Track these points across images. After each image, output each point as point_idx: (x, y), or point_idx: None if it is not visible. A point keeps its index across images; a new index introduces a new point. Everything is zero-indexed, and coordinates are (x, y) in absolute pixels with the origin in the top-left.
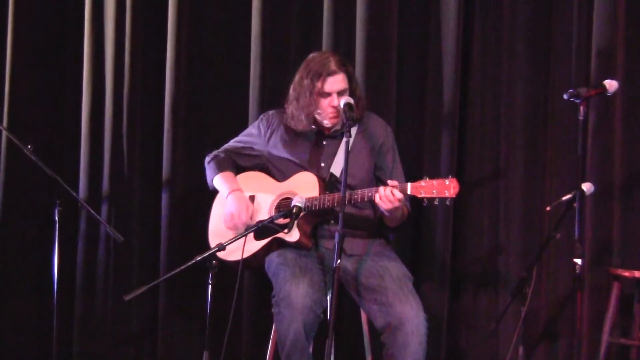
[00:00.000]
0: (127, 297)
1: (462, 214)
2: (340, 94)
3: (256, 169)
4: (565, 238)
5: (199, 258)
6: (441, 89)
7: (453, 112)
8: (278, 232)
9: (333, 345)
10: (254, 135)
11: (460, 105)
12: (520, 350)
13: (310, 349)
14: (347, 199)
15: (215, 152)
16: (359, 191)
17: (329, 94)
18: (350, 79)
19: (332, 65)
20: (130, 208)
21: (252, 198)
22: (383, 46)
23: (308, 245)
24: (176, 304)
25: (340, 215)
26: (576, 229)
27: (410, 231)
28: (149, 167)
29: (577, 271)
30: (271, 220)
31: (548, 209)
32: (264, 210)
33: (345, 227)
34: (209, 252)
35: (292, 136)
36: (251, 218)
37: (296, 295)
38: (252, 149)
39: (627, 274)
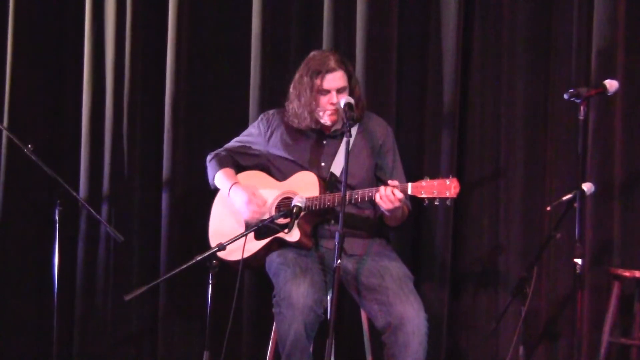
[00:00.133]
0: (128, 297)
1: (462, 214)
2: (339, 91)
3: (257, 169)
4: (566, 238)
5: (199, 258)
6: (441, 89)
7: (453, 112)
8: (278, 231)
9: (333, 345)
10: (254, 134)
11: (460, 105)
12: (521, 350)
13: (311, 349)
14: (347, 198)
15: (216, 151)
16: (360, 191)
17: (328, 91)
18: (350, 77)
19: (332, 63)
20: (131, 208)
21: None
22: (383, 46)
23: (308, 245)
24: (176, 304)
25: (341, 215)
26: (576, 229)
27: (411, 231)
28: (149, 167)
29: (578, 271)
30: (271, 220)
31: (548, 208)
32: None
33: (345, 227)
34: (209, 252)
35: (293, 136)
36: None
37: (297, 295)
38: (252, 148)
39: (627, 273)
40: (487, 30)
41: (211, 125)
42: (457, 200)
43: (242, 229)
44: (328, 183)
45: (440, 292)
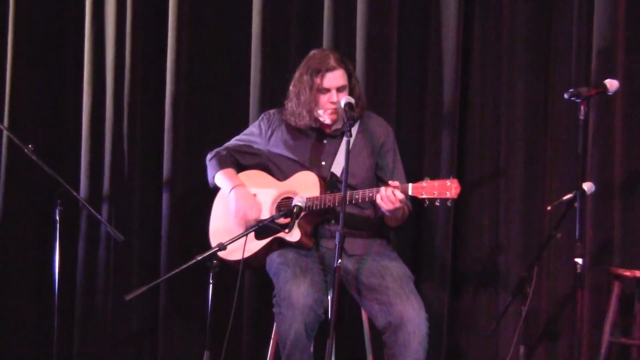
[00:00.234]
0: (128, 297)
1: (463, 214)
2: (339, 90)
3: (257, 168)
4: (566, 237)
5: (199, 258)
6: (441, 89)
7: (453, 112)
8: (279, 231)
9: (334, 345)
10: (255, 134)
11: (460, 105)
12: (521, 349)
13: (311, 349)
14: (348, 199)
15: (216, 150)
16: (360, 191)
17: (328, 90)
18: (350, 76)
19: (332, 62)
20: (131, 208)
21: (254, 196)
22: (383, 46)
23: (309, 245)
24: (176, 304)
25: (341, 215)
26: (577, 229)
27: (411, 231)
28: (150, 166)
29: (578, 271)
30: (272, 219)
31: (549, 208)
32: (265, 209)
33: (346, 226)
34: (210, 252)
35: (293, 135)
36: (258, 212)
37: (297, 295)
38: (253, 147)
39: (627, 273)
40: (487, 30)
41: (211, 125)
42: (458, 201)
43: (242, 229)
44: (328, 183)
45: (441, 292)
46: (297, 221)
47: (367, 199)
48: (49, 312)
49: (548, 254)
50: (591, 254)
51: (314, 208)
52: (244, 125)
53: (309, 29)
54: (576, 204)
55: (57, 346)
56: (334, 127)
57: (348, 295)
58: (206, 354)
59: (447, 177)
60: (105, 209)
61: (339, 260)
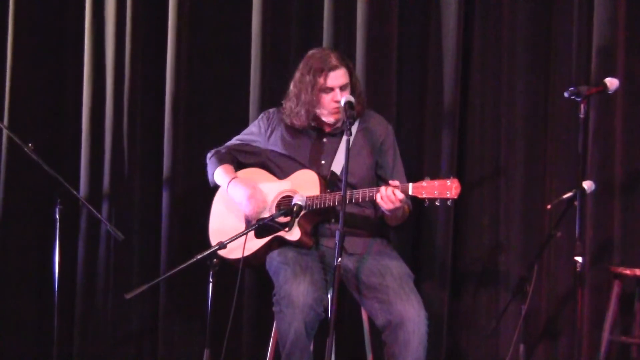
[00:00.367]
0: (128, 296)
1: (463, 214)
2: (342, 88)
3: (256, 167)
4: (566, 236)
5: (199, 256)
6: (441, 89)
7: (453, 112)
8: (279, 230)
9: (334, 344)
10: (255, 133)
11: (460, 105)
12: (521, 348)
13: (311, 348)
14: (348, 198)
15: (216, 149)
16: (360, 191)
17: (331, 89)
18: (351, 74)
19: (333, 61)
20: (131, 207)
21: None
22: (383, 46)
23: (309, 244)
24: (177, 304)
25: (341, 213)
26: (577, 227)
27: (411, 231)
28: (150, 166)
29: (578, 269)
30: (272, 218)
31: (549, 207)
32: (265, 207)
33: (346, 226)
34: (210, 251)
35: (293, 134)
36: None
37: (297, 293)
38: (252, 146)
39: (627, 272)
40: (487, 30)
41: (211, 125)
42: (458, 200)
43: (242, 227)
44: (328, 181)
45: (441, 291)
46: (297, 220)
47: (367, 199)
48: (49, 311)
49: (548, 253)
50: (591, 253)
51: (314, 207)
52: (244, 125)
53: (309, 29)
54: (576, 203)
55: (57, 346)
56: (334, 126)
57: (348, 294)
58: (206, 352)
59: (448, 177)
60: (105, 208)
61: (339, 259)
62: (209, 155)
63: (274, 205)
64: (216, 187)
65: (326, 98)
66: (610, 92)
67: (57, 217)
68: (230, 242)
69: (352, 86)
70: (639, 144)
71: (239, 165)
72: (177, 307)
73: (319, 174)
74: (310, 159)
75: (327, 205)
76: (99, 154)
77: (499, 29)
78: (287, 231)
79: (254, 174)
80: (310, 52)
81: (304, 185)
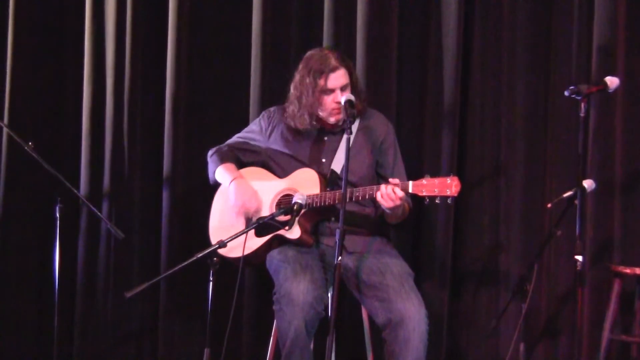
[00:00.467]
0: (129, 295)
1: (463, 213)
2: (342, 89)
3: (257, 165)
4: (566, 235)
5: (199, 255)
6: (441, 89)
7: (453, 112)
8: (279, 229)
9: (334, 342)
10: (256, 131)
11: (460, 105)
12: (521, 347)
13: (311, 346)
14: (348, 196)
15: (217, 147)
16: (360, 189)
17: (332, 90)
18: (351, 73)
19: (333, 62)
20: (131, 206)
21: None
22: (383, 46)
23: (309, 243)
24: (177, 303)
25: (341, 212)
26: (577, 226)
27: (411, 230)
28: (150, 165)
29: (578, 268)
30: (272, 217)
31: (549, 205)
32: (265, 206)
33: (346, 224)
34: (210, 249)
35: (293, 132)
36: (259, 205)
37: (297, 292)
38: (253, 145)
39: (628, 271)
40: (487, 30)
41: (211, 125)
42: (458, 199)
43: (242, 225)
44: (329, 180)
45: (441, 291)
46: (297, 218)
47: (367, 197)
48: (49, 311)
49: (548, 252)
50: (591, 252)
51: (314, 205)
52: (244, 125)
53: (309, 29)
54: (576, 201)
55: (57, 346)
56: (336, 124)
57: (348, 292)
58: (206, 351)
59: (448, 175)
60: (105, 207)
61: (339, 258)
62: (210, 153)
63: (274, 203)
64: (216, 186)
65: (327, 99)
66: (610, 90)
67: (57, 215)
68: (231, 240)
69: (352, 85)
70: (639, 144)
71: (239, 164)
72: (177, 306)
73: (319, 172)
74: (310, 157)
75: (327, 203)
76: (99, 154)
77: (499, 29)
78: (287, 230)
79: (255, 172)
80: (309, 53)
81: (304, 183)
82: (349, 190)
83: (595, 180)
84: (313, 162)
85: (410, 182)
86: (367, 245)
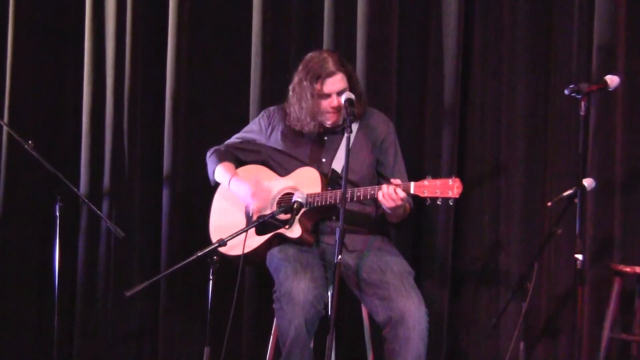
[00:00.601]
0: (129, 293)
1: (463, 213)
2: (339, 94)
3: (257, 164)
4: (566, 234)
5: (200, 253)
6: (441, 89)
7: (453, 112)
8: (279, 227)
9: (334, 341)
10: (255, 131)
11: (460, 105)
12: (521, 346)
13: (311, 345)
14: (349, 196)
15: (216, 147)
16: (362, 189)
17: (328, 95)
18: (350, 77)
19: (330, 66)
20: (131, 205)
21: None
22: (383, 46)
23: (310, 242)
24: (177, 303)
25: (341, 211)
26: (577, 225)
27: (411, 230)
28: (150, 165)
29: (578, 267)
30: (272, 215)
31: (549, 204)
32: (266, 205)
33: (346, 223)
34: (210, 248)
35: (293, 132)
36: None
37: (297, 291)
38: (253, 144)
39: (628, 269)
40: (488, 30)
41: (211, 124)
42: (458, 200)
43: (243, 224)
44: (329, 179)
45: (441, 290)
46: (297, 217)
47: (368, 197)
48: (49, 310)
49: (548, 251)
50: (591, 250)
51: (315, 204)
52: (244, 124)
53: (309, 29)
54: (576, 200)
55: (57, 346)
56: (335, 124)
57: (348, 291)
58: (207, 350)
59: (449, 176)
60: (105, 207)
61: (339, 256)
62: (208, 153)
63: (275, 202)
64: (217, 185)
65: (324, 103)
66: (610, 89)
67: (57, 214)
68: (231, 238)
69: (351, 89)
70: (639, 143)
71: (239, 163)
72: (177, 306)
73: (320, 171)
74: (311, 156)
75: (327, 202)
76: (99, 154)
77: (499, 29)
78: (287, 228)
79: (255, 171)
80: (309, 55)
81: (305, 182)
82: (350, 190)
83: (595, 179)
84: (313, 162)
85: (412, 183)
86: (368, 244)
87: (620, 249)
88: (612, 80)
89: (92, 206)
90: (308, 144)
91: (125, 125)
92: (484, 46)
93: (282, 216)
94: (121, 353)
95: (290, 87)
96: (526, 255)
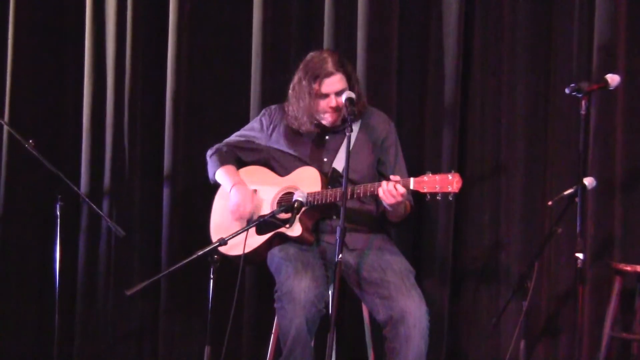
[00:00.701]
0: (129, 292)
1: (463, 212)
2: (337, 94)
3: (258, 164)
4: (566, 233)
5: (200, 253)
6: (442, 89)
7: (453, 112)
8: (280, 226)
9: (335, 340)
10: (256, 129)
11: (460, 105)
12: (522, 345)
13: (312, 344)
14: (349, 193)
15: (217, 146)
16: (362, 186)
17: (327, 95)
18: (349, 77)
19: (329, 67)
20: (131, 205)
21: (254, 192)
22: (383, 46)
23: (310, 240)
24: (177, 302)
25: (342, 209)
26: (578, 224)
27: (412, 229)
28: (150, 165)
29: (579, 266)
30: (272, 215)
31: (550, 203)
32: (266, 204)
33: (347, 221)
34: (211, 247)
35: (294, 131)
36: (256, 209)
37: (298, 290)
38: (254, 143)
39: (628, 268)
40: (488, 29)
41: (211, 124)
42: (458, 198)
43: (243, 223)
44: (330, 178)
45: (441, 290)
46: (298, 216)
47: (368, 194)
48: (49, 310)
49: (549, 250)
50: (592, 249)
51: (315, 203)
52: (244, 124)
53: (309, 29)
54: (577, 199)
55: (58, 346)
56: (335, 124)
57: (349, 290)
58: (207, 349)
59: (449, 172)
60: (105, 206)
61: (340, 255)
62: (209, 153)
63: (275, 201)
64: (216, 185)
65: (322, 103)
66: (611, 88)
67: (58, 213)
68: (231, 238)
69: (350, 89)
70: (639, 142)
71: (239, 163)
72: (177, 306)
73: (320, 170)
74: (311, 156)
75: (328, 201)
76: (99, 154)
77: (499, 29)
78: (288, 227)
79: (255, 172)
80: (310, 55)
81: (305, 181)
82: (350, 187)
83: (595, 178)
84: (314, 161)
85: (412, 179)
86: (368, 242)
87: (620, 248)
88: (613, 79)
89: (93, 205)
90: (309, 143)
91: (125, 125)
92: (484, 46)
93: (283, 215)
94: (121, 353)
95: (291, 86)
96: (526, 254)
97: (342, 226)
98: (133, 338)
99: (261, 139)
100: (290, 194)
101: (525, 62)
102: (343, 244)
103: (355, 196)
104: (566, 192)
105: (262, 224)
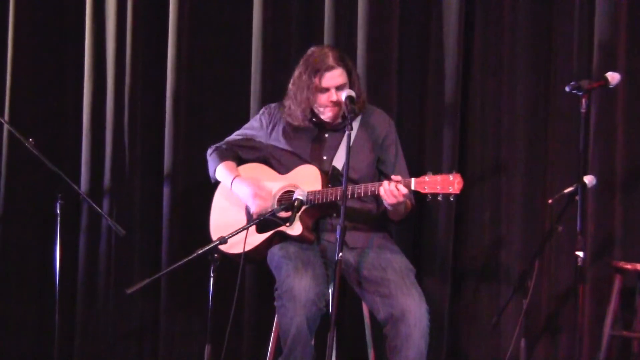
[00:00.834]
0: (129, 291)
1: (464, 210)
2: (338, 88)
3: (258, 162)
4: (567, 231)
5: (200, 251)
6: (442, 89)
7: (454, 112)
8: (280, 225)
9: (335, 338)
10: (256, 128)
11: (461, 104)
12: (522, 343)
13: (313, 342)
14: (350, 193)
15: (217, 145)
16: (363, 185)
17: (327, 90)
18: (350, 73)
19: (330, 61)
20: (132, 204)
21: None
22: (383, 46)
23: (310, 239)
24: (177, 302)
25: (342, 208)
26: (578, 222)
27: (412, 228)
28: (150, 164)
29: (579, 264)
30: (273, 213)
31: (550, 201)
32: (266, 203)
33: (347, 220)
34: (211, 245)
35: (294, 129)
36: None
37: (299, 288)
38: (254, 141)
39: (629, 266)
40: (488, 29)
41: (211, 124)
42: (459, 197)
43: (243, 222)
44: (330, 176)
45: (442, 288)
46: (298, 215)
47: (369, 194)
48: (50, 309)
49: (549, 248)
50: (592, 248)
51: (316, 202)
52: (244, 123)
53: (309, 29)
54: (577, 197)
55: (58, 346)
56: (335, 122)
57: (349, 289)
58: (207, 348)
59: (450, 172)
60: (105, 205)
61: (340, 254)
62: (209, 151)
63: (276, 200)
64: (217, 184)
65: (322, 98)
66: (611, 86)
67: (58, 212)
68: (231, 236)
69: (350, 85)
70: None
71: (239, 161)
72: (177, 305)
73: (320, 169)
74: (311, 154)
75: (328, 200)
76: (99, 153)
77: (499, 29)
78: (288, 226)
79: (256, 169)
80: (311, 50)
81: (306, 180)
82: (351, 187)
83: (596, 175)
84: (314, 159)
85: (413, 179)
86: (368, 241)
87: (620, 247)
88: (613, 77)
89: (93, 204)
90: (309, 142)
91: (125, 125)
92: (484, 46)
93: (283, 214)
94: (121, 352)
95: (291, 81)
96: (527, 253)
97: (343, 225)
98: (133, 338)
99: (261, 137)
100: (291, 192)
101: (525, 62)
102: (343, 243)
103: (356, 196)
104: (566, 190)
105: (262, 223)
